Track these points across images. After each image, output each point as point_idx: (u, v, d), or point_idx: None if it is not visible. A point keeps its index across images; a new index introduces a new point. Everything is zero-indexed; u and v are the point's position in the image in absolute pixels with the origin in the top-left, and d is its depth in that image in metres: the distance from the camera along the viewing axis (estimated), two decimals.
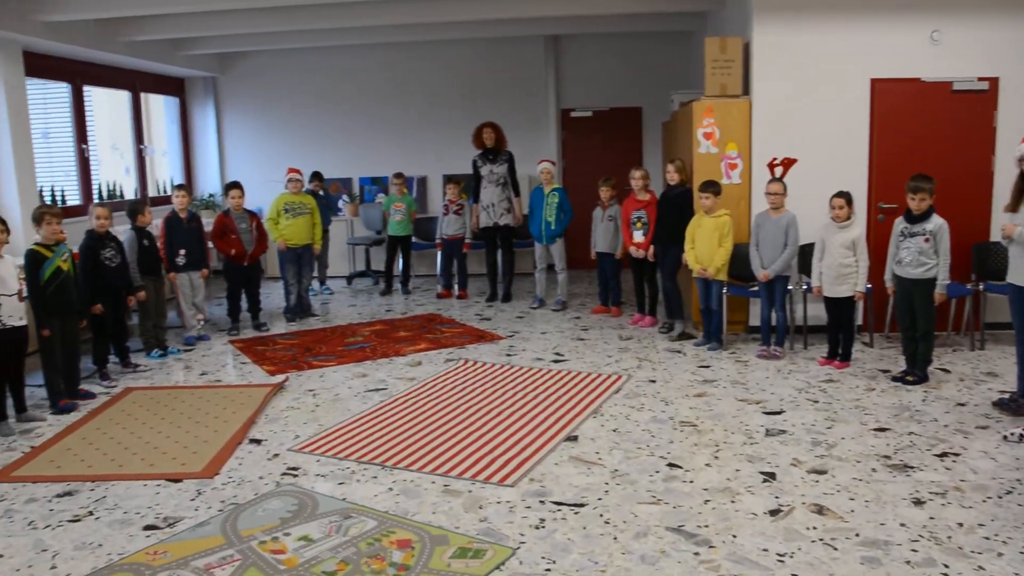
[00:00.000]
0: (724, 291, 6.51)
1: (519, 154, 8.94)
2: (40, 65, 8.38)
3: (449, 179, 9.30)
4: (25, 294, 5.35)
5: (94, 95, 9.68)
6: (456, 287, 9.25)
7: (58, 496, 4.19)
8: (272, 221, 8.06)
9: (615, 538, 3.48)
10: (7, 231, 5.24)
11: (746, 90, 6.94)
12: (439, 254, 9.46)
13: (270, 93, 11.24)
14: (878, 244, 6.44)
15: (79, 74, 9.13)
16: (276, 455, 4.63)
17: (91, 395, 5.84)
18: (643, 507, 3.78)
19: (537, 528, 3.60)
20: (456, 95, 10.84)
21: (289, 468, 4.42)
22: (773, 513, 3.68)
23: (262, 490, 4.14)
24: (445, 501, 3.93)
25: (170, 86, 11.07)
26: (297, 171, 8.29)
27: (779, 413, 5.06)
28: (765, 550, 3.33)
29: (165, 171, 11.26)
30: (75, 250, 6.01)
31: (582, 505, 3.83)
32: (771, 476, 4.10)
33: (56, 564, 3.48)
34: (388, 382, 5.98)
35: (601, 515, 3.71)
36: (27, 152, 7.83)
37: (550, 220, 8.15)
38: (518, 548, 3.42)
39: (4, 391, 5.26)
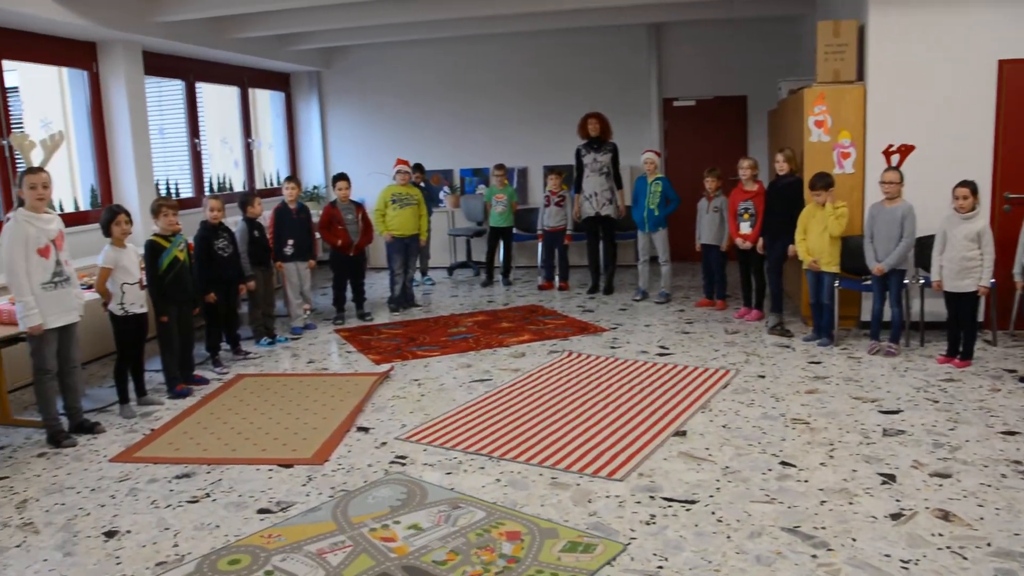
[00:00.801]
0: (836, 284, 6.29)
1: (620, 145, 8.82)
2: (157, 64, 8.68)
3: (551, 170, 9.26)
4: (144, 283, 5.55)
5: (205, 91, 9.99)
6: (557, 278, 9.21)
7: (177, 477, 4.33)
8: (379, 213, 8.16)
9: (728, 537, 3.39)
10: (131, 222, 5.44)
11: (860, 75, 6.68)
12: (540, 245, 9.43)
13: (372, 87, 11.40)
14: (1003, 236, 6.11)
15: (192, 71, 9.44)
16: (384, 443, 4.68)
17: (205, 381, 6.03)
18: (756, 506, 3.67)
19: (648, 524, 3.54)
20: (556, 86, 10.77)
21: (397, 456, 4.46)
22: (894, 517, 3.52)
23: (371, 478, 4.19)
24: (553, 494, 3.90)
25: (276, 81, 11.34)
26: (405, 163, 8.38)
27: (896, 412, 4.85)
28: (887, 556, 3.18)
29: (272, 164, 11.55)
30: (190, 240, 6.19)
31: (693, 502, 3.74)
32: (890, 478, 3.93)
33: (178, 543, 3.59)
34: (492, 373, 5.99)
35: (713, 513, 3.62)
36: (145, 147, 8.14)
37: (653, 207, 8.03)
38: (629, 544, 3.36)
39: (126, 375, 5.48)
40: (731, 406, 5.06)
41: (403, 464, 4.35)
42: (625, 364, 6.03)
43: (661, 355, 6.28)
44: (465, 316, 7.97)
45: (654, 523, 3.54)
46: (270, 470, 4.36)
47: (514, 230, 9.69)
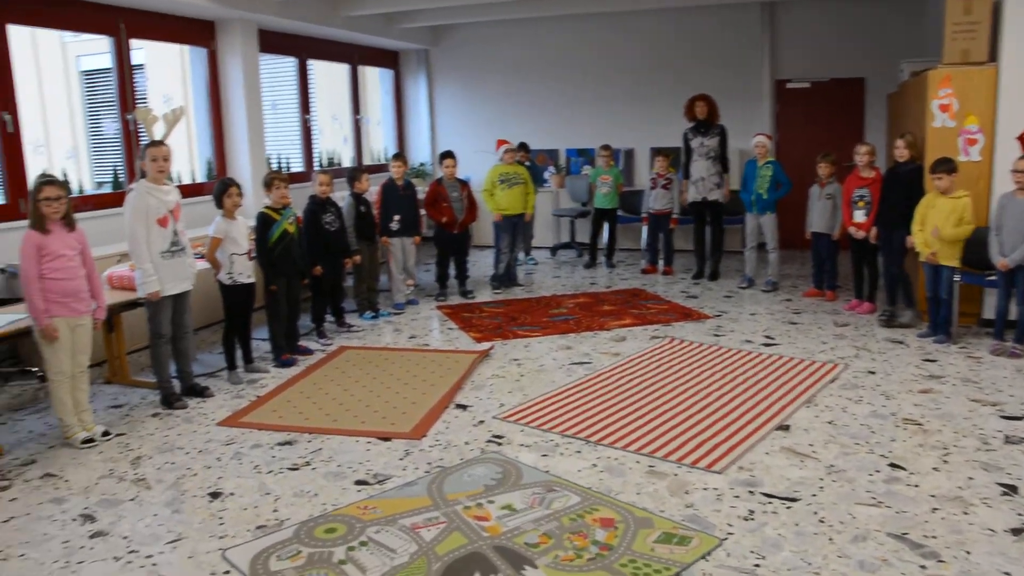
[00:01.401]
0: (956, 279, 5.99)
1: (730, 128, 8.59)
2: (271, 42, 8.89)
3: (657, 152, 9.10)
4: (254, 254, 5.71)
5: (316, 68, 10.19)
6: (661, 263, 9.07)
7: (280, 444, 4.45)
8: (487, 192, 8.19)
9: (831, 539, 3.27)
10: (241, 195, 5.60)
11: (992, 56, 6.30)
12: (645, 228, 9.29)
13: (479, 65, 11.41)
14: None
15: (304, 49, 9.63)
16: (481, 422, 4.69)
17: (309, 351, 6.17)
18: (862, 508, 3.53)
19: (746, 520, 3.45)
20: (665, 66, 10.56)
21: (494, 436, 4.47)
22: (1016, 532, 3.32)
23: (467, 456, 4.21)
24: (650, 482, 3.84)
25: (385, 59, 11.47)
26: (509, 143, 8.37)
27: (1020, 419, 4.59)
28: (1007, 573, 3.01)
29: (379, 140, 11.72)
30: (299, 214, 6.33)
31: (795, 500, 3.63)
32: (1011, 489, 3.71)
33: (278, 508, 3.69)
34: (592, 356, 5.94)
35: (815, 512, 3.50)
36: (258, 122, 8.35)
37: (762, 192, 7.80)
38: (725, 539, 3.28)
39: (234, 343, 5.66)
40: (838, 402, 4.89)
41: (499, 444, 4.36)
42: (728, 353, 5.90)
43: (766, 345, 6.11)
44: (567, 297, 7.94)
45: (752, 519, 3.45)
46: (369, 442, 4.44)
47: (619, 212, 9.57)
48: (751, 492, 3.70)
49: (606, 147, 9.49)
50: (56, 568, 3.28)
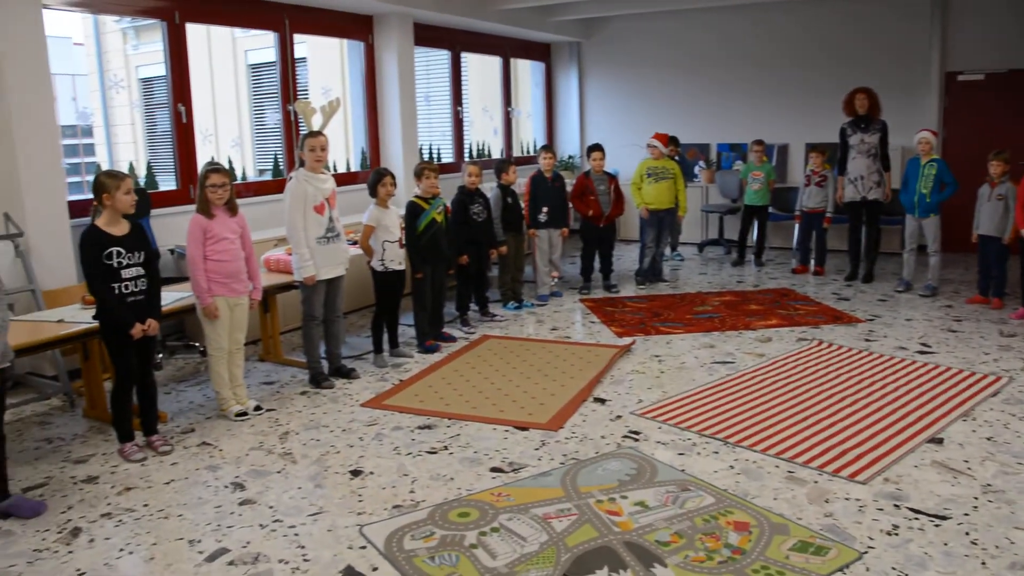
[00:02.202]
0: None
1: (891, 123, 8.15)
2: (426, 35, 9.11)
3: (813, 148, 8.76)
4: (403, 241, 5.88)
5: (469, 61, 10.36)
6: (813, 262, 8.75)
7: (419, 428, 4.58)
8: (635, 186, 8.14)
9: (983, 563, 3.07)
10: (395, 184, 5.77)
11: None
12: (797, 226, 8.97)
13: (631, 58, 11.31)
14: None
15: (457, 42, 9.82)
16: (619, 417, 4.67)
17: (452, 339, 6.31)
18: (1021, 534, 3.30)
19: (889, 534, 3.29)
20: (824, 58, 10.13)
21: (630, 431, 4.45)
22: None
23: (603, 449, 4.20)
24: (788, 488, 3.72)
25: (537, 51, 11.55)
26: (660, 137, 8.28)
27: None
28: None
29: (529, 133, 11.82)
30: (448, 204, 6.46)
31: (944, 518, 3.43)
32: None
33: (414, 489, 3.80)
34: (736, 356, 5.80)
35: (967, 533, 3.30)
36: (411, 113, 8.59)
37: (925, 192, 7.39)
38: (866, 552, 3.14)
39: (382, 327, 5.84)
40: (1000, 417, 4.58)
41: (636, 439, 4.33)
42: (880, 359, 5.63)
43: (922, 353, 5.80)
44: (712, 295, 7.78)
45: (896, 534, 3.29)
46: (506, 431, 4.50)
47: (770, 209, 9.29)
48: (896, 506, 3.53)
49: (759, 142, 9.22)
50: (208, 530, 3.49)
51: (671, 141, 9.43)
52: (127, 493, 3.89)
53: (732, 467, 3.96)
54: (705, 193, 10.71)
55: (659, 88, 11.17)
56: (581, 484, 3.78)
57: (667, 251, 9.59)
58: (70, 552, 3.37)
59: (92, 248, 4.08)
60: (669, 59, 11.05)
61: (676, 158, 9.34)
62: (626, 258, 9.61)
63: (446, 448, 4.28)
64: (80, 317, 4.64)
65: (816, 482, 3.78)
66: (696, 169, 10.81)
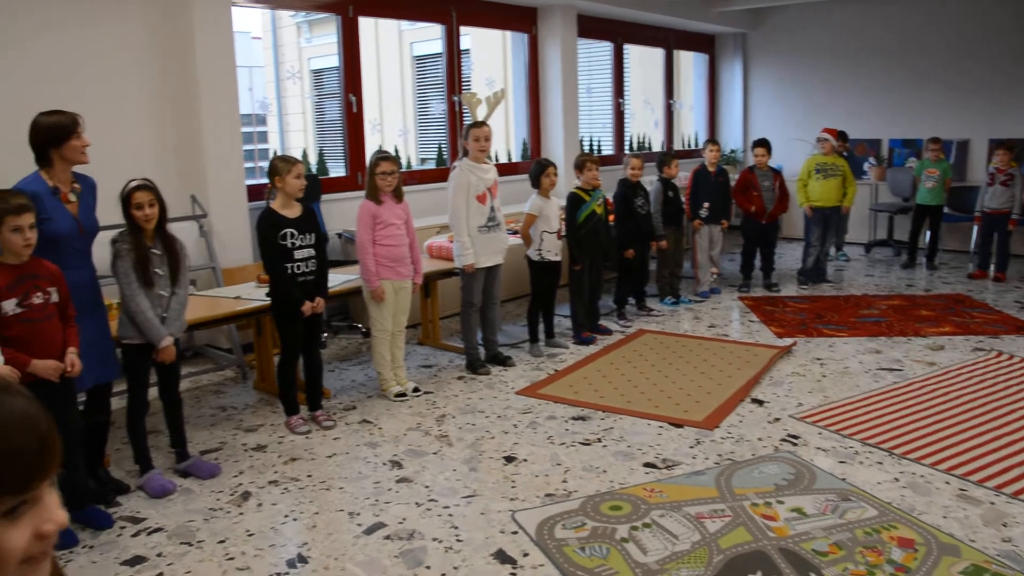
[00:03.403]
0: None
1: None
2: (589, 27, 9.08)
3: (999, 144, 8.18)
4: (563, 233, 5.88)
5: (631, 52, 10.26)
6: (992, 268, 8.18)
7: (573, 418, 4.58)
8: (801, 183, 7.85)
9: None
10: (557, 175, 5.78)
11: None
12: (976, 228, 8.41)
13: (798, 49, 10.88)
14: None
15: (620, 33, 9.74)
16: (777, 419, 4.52)
17: (608, 331, 6.27)
18: None
19: None
20: (1011, 47, 9.41)
21: (789, 435, 4.29)
22: None
23: (759, 452, 4.07)
24: (960, 507, 3.49)
25: (700, 43, 11.30)
26: (831, 132, 7.95)
27: None
28: None
29: (690, 126, 11.61)
30: (607, 196, 6.42)
31: None
32: None
33: (567, 479, 3.80)
34: (904, 363, 5.50)
35: None
36: (573, 105, 8.59)
37: None
38: None
39: (538, 317, 5.88)
40: None
41: (794, 444, 4.17)
42: None
43: None
44: (879, 298, 7.40)
45: None
46: (660, 426, 4.43)
47: (945, 209, 8.74)
48: None
49: (935, 140, 8.66)
50: (367, 504, 3.62)
51: (840, 136, 9.04)
52: (292, 463, 4.08)
53: (897, 480, 3.75)
54: (875, 191, 10.19)
55: (828, 81, 10.70)
56: (736, 486, 3.68)
57: (832, 251, 9.21)
58: (241, 513, 3.57)
59: (267, 229, 4.29)
60: (839, 50, 10.55)
61: (845, 154, 8.94)
62: (788, 256, 9.29)
63: (599, 440, 4.26)
64: (255, 294, 4.90)
65: (992, 503, 3.52)
66: (866, 166, 10.31)
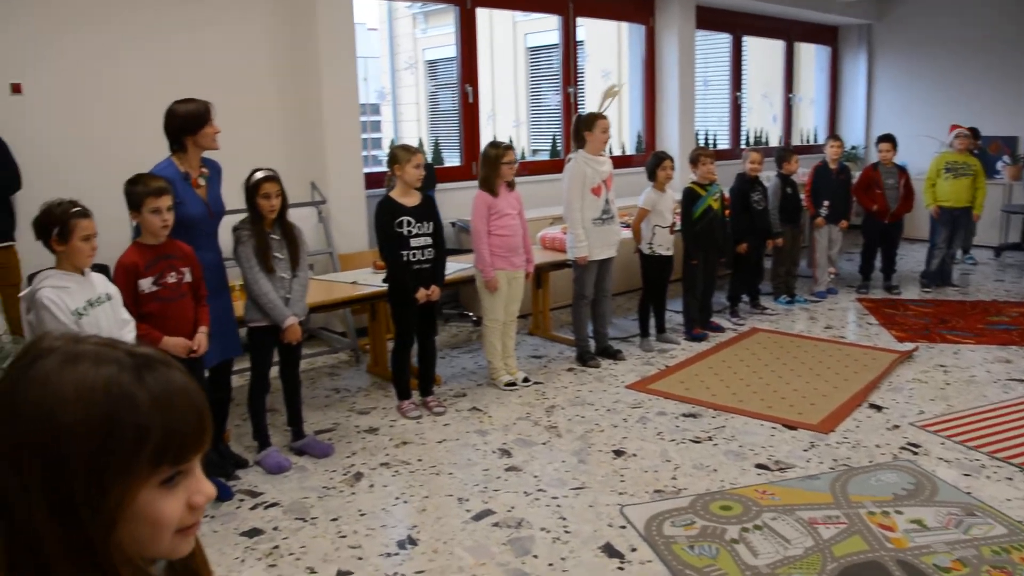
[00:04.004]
0: None
1: None
2: (708, 18, 8.92)
3: None
4: (677, 227, 5.81)
5: (749, 44, 10.03)
6: None
7: (684, 415, 4.52)
8: (929, 182, 7.52)
9: None
10: (673, 168, 5.71)
11: None
12: None
13: (927, 40, 10.39)
14: None
15: (739, 25, 9.54)
16: (896, 426, 4.35)
17: (720, 328, 6.16)
18: None
19: None
20: None
21: (909, 443, 4.13)
22: None
23: (877, 459, 3.94)
24: None
25: (822, 35, 10.96)
26: (964, 128, 7.60)
27: None
28: None
29: (809, 121, 11.28)
30: (724, 191, 6.30)
31: None
32: None
33: (676, 476, 3.76)
34: None
35: None
36: (690, 98, 8.47)
37: None
38: None
39: (649, 311, 5.83)
40: None
41: (915, 453, 4.01)
42: None
43: None
44: (1010, 305, 7.04)
45: None
46: (773, 427, 4.34)
47: None
48: None
49: None
50: (476, 490, 3.66)
51: (971, 133, 8.62)
52: (403, 447, 4.16)
53: None
54: (1008, 192, 9.68)
55: (958, 74, 10.18)
56: (852, 492, 3.57)
57: (959, 253, 8.80)
58: (353, 493, 3.67)
59: (385, 216, 4.38)
60: (971, 41, 10.03)
61: (975, 152, 8.53)
62: (910, 258, 8.93)
63: (710, 439, 4.20)
64: (371, 280, 5.01)
65: None
66: (999, 165, 9.80)
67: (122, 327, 3.16)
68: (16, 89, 4.79)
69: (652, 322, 5.87)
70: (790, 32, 10.33)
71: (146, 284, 3.36)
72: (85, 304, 3.03)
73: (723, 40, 9.62)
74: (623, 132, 8.97)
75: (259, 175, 3.81)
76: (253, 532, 3.36)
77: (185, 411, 0.86)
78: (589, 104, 8.15)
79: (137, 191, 3.30)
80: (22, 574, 0.83)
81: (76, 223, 2.98)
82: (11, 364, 0.87)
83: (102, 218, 3.23)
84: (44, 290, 2.97)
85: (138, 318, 3.30)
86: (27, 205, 4.52)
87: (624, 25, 8.77)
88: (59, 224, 2.98)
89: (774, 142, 10.42)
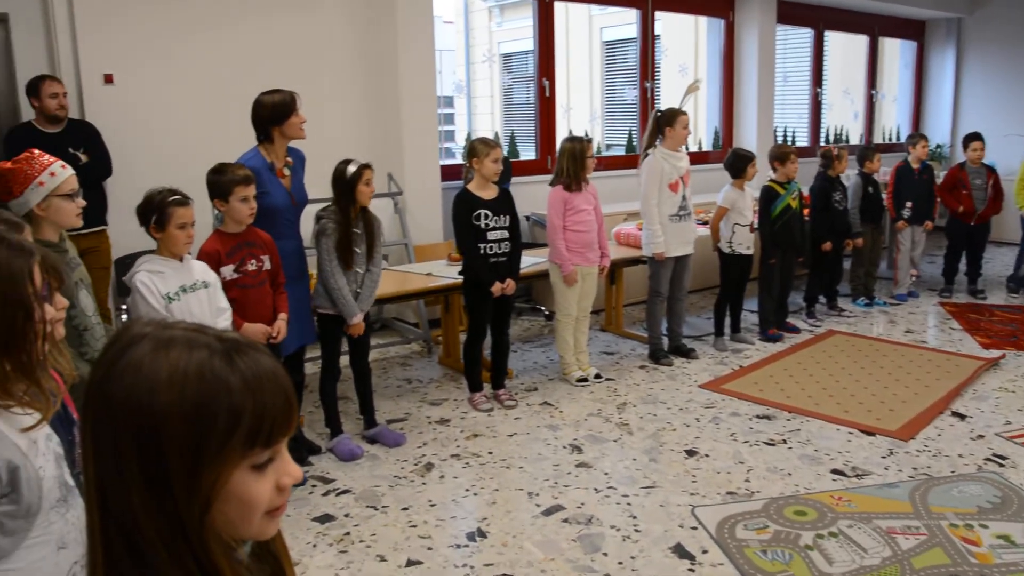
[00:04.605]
0: None
1: None
2: (789, 12, 8.73)
3: None
4: (756, 226, 5.71)
5: (831, 39, 9.80)
6: None
7: (758, 417, 4.45)
8: (1021, 183, 7.25)
9: None
10: (755, 167, 5.59)
11: None
12: None
13: (1021, 35, 10.00)
14: None
15: (822, 19, 9.31)
16: (981, 436, 4.22)
17: (796, 329, 6.05)
18: None
19: None
20: None
21: (995, 455, 3.99)
22: None
23: (960, 469, 3.82)
24: None
25: (909, 29, 10.62)
26: None
27: None
28: None
29: (891, 118, 10.97)
30: (802, 189, 6.17)
31: None
32: None
33: (749, 479, 3.71)
34: None
35: None
36: (769, 94, 8.32)
37: None
38: None
39: (725, 310, 5.74)
40: None
41: (1001, 464, 3.88)
42: None
43: None
44: None
45: None
46: (850, 432, 4.24)
47: None
48: None
49: None
50: (546, 485, 3.67)
51: None
52: (474, 439, 4.19)
53: None
54: None
55: None
56: (932, 503, 3.47)
57: None
58: (423, 483, 3.71)
59: (463, 209, 4.40)
60: None
61: None
62: (996, 262, 8.62)
63: (785, 442, 4.13)
64: (446, 272, 5.05)
65: None
66: None
67: (218, 315, 3.24)
68: (108, 79, 4.95)
69: (727, 321, 5.79)
70: (875, 26, 10.05)
71: (227, 271, 3.44)
72: (178, 290, 3.11)
73: (804, 35, 9.41)
74: (700, 128, 8.84)
75: (362, 163, 3.85)
76: (325, 518, 3.42)
77: (274, 394, 0.88)
78: (665, 99, 8.06)
79: (226, 180, 3.38)
80: (116, 559, 0.86)
81: (173, 211, 3.07)
82: (103, 353, 0.89)
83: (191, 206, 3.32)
84: (139, 274, 3.07)
85: None
86: (117, 191, 4.69)
87: (702, 19, 8.65)
88: (157, 211, 3.07)
89: (855, 139, 10.16)
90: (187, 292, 3.14)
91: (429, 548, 3.18)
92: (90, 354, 2.63)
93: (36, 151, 2.61)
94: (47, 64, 4.82)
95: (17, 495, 1.34)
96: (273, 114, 3.68)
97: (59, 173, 2.57)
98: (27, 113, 4.67)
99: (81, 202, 2.66)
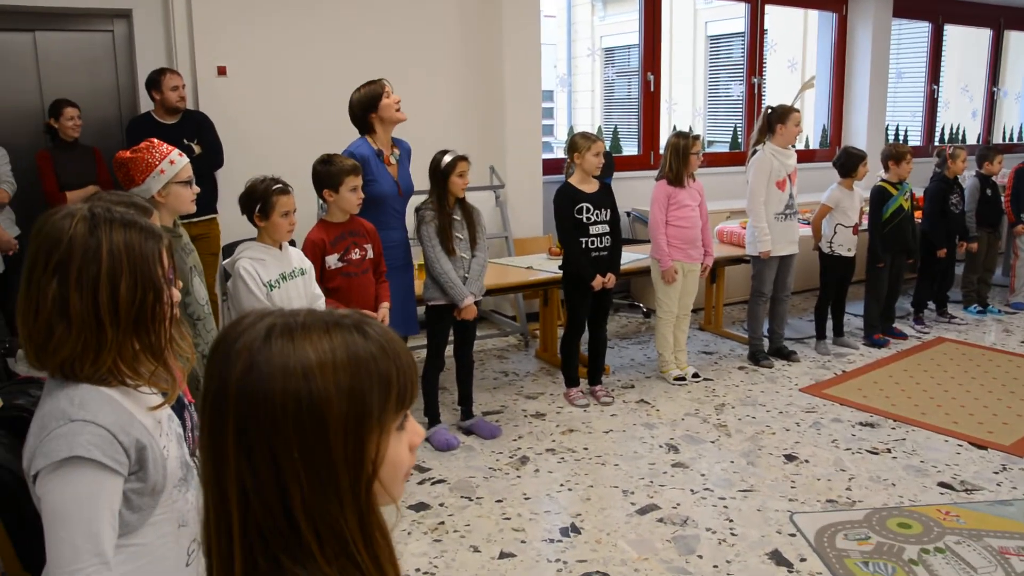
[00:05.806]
0: None
1: None
2: (906, 6, 8.41)
3: None
4: (861, 227, 5.54)
5: (950, 34, 9.40)
6: None
7: (861, 424, 4.33)
8: None
9: None
10: (867, 167, 5.43)
11: None
12: None
13: None
14: None
15: (941, 13, 8.95)
16: None
17: (903, 335, 5.85)
18: None
19: None
20: None
21: None
22: None
23: None
24: None
25: None
26: None
27: None
28: None
29: (1015, 116, 10.47)
30: (915, 190, 5.95)
31: None
32: None
33: (851, 488, 3.62)
34: None
35: None
36: (882, 91, 8.05)
37: None
38: None
39: (827, 313, 5.59)
40: None
41: None
42: None
43: None
44: None
45: None
46: (959, 444, 4.09)
47: None
48: None
49: None
50: (641, 484, 3.65)
51: None
52: (569, 434, 4.19)
53: None
54: None
55: None
56: None
57: None
58: (518, 476, 3.73)
59: (565, 203, 4.40)
60: None
61: None
62: None
63: (889, 451, 4.00)
64: (546, 266, 5.06)
65: None
66: None
67: (313, 301, 3.32)
68: (221, 72, 5.13)
69: (829, 324, 5.64)
70: (999, 19, 9.58)
71: (332, 260, 3.52)
72: (278, 277, 3.19)
73: (921, 29, 9.05)
74: (807, 125, 8.62)
75: (457, 154, 3.90)
76: (420, 506, 3.48)
77: (407, 354, 0.91)
78: (773, 95, 7.89)
79: (336, 169, 3.44)
80: (254, 563, 0.86)
81: (276, 199, 3.13)
82: (230, 349, 0.87)
83: (296, 195, 3.40)
84: (242, 261, 3.15)
85: (324, 293, 3.46)
86: (228, 180, 4.85)
87: (812, 13, 8.42)
88: (261, 200, 3.13)
89: (972, 139, 9.74)
90: (286, 280, 3.21)
91: (522, 541, 3.20)
92: (201, 346, 2.67)
93: (155, 140, 2.70)
94: (165, 58, 5.02)
95: (144, 473, 1.40)
96: (365, 103, 3.76)
97: (177, 161, 2.66)
98: (145, 105, 4.87)
99: (196, 188, 2.75)
